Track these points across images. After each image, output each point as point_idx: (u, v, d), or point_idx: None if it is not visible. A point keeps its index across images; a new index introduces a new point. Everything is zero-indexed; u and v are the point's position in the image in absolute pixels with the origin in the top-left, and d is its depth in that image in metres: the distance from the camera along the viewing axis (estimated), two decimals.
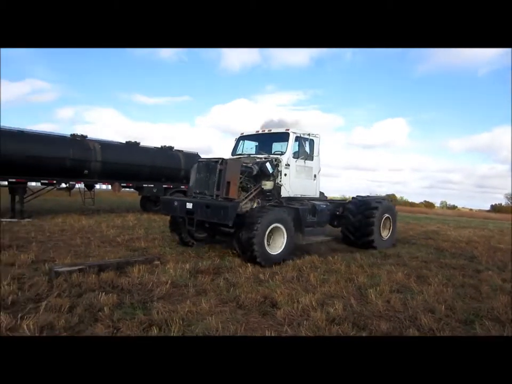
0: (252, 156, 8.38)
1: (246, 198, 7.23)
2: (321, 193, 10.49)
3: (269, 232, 6.75)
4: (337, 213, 9.47)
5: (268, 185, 7.63)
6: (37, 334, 3.32)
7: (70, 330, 3.48)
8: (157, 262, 6.21)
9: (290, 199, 7.99)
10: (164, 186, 15.68)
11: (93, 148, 13.57)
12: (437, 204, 68.66)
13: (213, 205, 6.63)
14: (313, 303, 4.56)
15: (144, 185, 15.23)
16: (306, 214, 7.87)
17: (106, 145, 14.23)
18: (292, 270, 6.36)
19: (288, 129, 7.97)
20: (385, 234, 9.65)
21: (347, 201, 10.20)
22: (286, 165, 7.80)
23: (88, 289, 4.66)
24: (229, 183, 6.75)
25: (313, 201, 8.43)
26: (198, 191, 7.52)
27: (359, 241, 9.19)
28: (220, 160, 7.04)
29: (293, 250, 7.38)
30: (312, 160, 8.37)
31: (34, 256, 6.33)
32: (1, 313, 3.65)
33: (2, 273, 5.17)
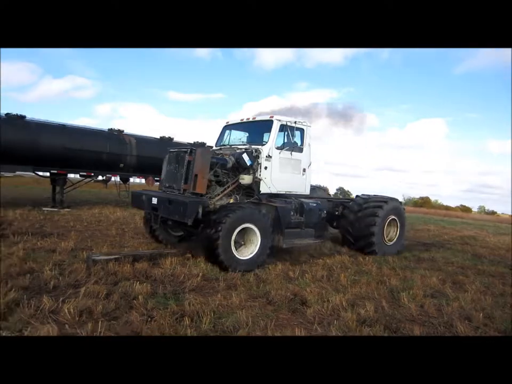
0: (233, 146, 7.43)
1: (221, 193, 6.48)
2: (322, 189, 9.82)
3: (243, 234, 5.97)
4: (337, 212, 8.65)
5: (245, 179, 6.68)
6: (76, 319, 3.49)
7: (107, 316, 3.62)
8: (188, 255, 6.34)
9: (274, 196, 7.01)
10: None
11: (129, 142, 14.01)
12: (474, 209, 65.86)
13: (174, 201, 5.81)
14: (344, 303, 4.51)
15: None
16: (288, 213, 6.85)
17: (141, 140, 14.65)
18: (321, 269, 6.30)
19: (272, 117, 6.98)
20: (390, 238, 8.55)
21: (348, 199, 9.46)
22: (266, 156, 6.76)
23: (123, 278, 4.82)
24: (196, 176, 5.99)
25: (302, 199, 7.39)
26: (167, 185, 6.77)
27: (357, 243, 8.17)
28: (189, 150, 6.19)
29: (271, 254, 6.42)
30: (301, 152, 7.32)
31: (73, 244, 6.63)
32: (44, 296, 3.85)
33: (44, 259, 5.46)
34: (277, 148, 6.89)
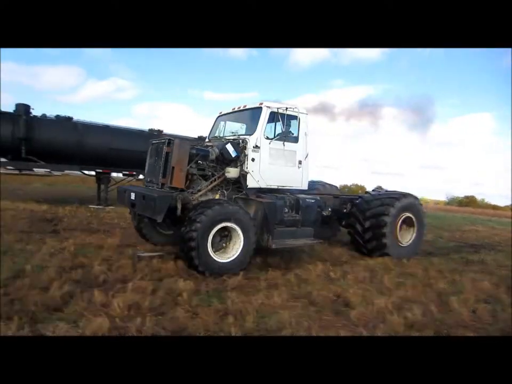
0: (224, 138, 6.86)
1: (205, 188, 5.98)
2: (332, 186, 9.27)
3: (223, 232, 5.46)
4: (345, 210, 7.95)
5: (231, 172, 6.05)
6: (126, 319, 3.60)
7: (153, 311, 3.72)
8: None
9: (266, 191, 6.32)
10: None
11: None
12: None
13: (146, 196, 5.41)
14: (389, 306, 4.35)
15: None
16: (278, 210, 6.04)
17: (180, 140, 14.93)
18: (363, 270, 6.14)
19: (262, 103, 6.26)
20: (406, 239, 7.69)
21: (356, 196, 8.57)
22: (254, 147, 6.04)
23: (167, 275, 4.94)
24: (174, 168, 5.56)
25: (299, 195, 6.66)
26: (148, 179, 6.36)
27: (368, 245, 7.42)
28: (167, 141, 5.75)
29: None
30: (297, 142, 6.55)
31: (119, 240, 6.88)
32: (95, 290, 4.02)
33: (93, 254, 5.72)
34: (267, 138, 6.19)
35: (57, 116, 12.35)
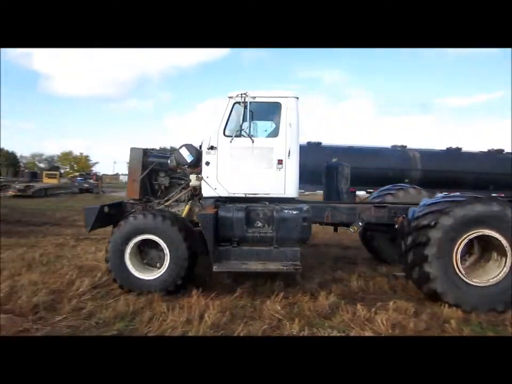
0: None
1: (169, 199, 5.50)
2: (417, 189, 6.94)
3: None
4: (396, 225, 5.32)
5: (192, 180, 5.31)
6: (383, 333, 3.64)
7: (418, 333, 3.59)
8: None
9: (239, 200, 5.05)
10: (493, 195, 13.75)
11: (413, 156, 13.78)
12: None
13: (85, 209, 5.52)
14: None
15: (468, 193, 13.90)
16: (223, 225, 4.79)
17: (425, 154, 14.13)
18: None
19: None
20: (480, 275, 4.52)
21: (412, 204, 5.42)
22: (208, 148, 5.02)
23: (425, 298, 4.63)
24: (128, 178, 5.57)
25: (276, 205, 4.94)
26: None
27: (413, 273, 4.62)
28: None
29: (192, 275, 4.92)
30: (276, 136, 5.10)
31: (367, 255, 7.06)
32: (358, 304, 4.26)
33: (348, 269, 6.08)
34: (227, 136, 5.03)
35: (308, 142, 14.15)
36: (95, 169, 64.93)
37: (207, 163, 5.09)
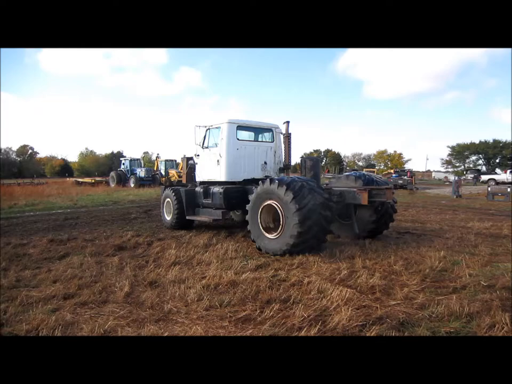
0: None
1: None
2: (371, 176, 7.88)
3: None
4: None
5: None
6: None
7: None
8: None
9: (214, 183, 8.58)
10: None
11: None
12: None
13: None
14: None
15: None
16: (192, 196, 8.93)
17: None
18: None
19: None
20: (272, 231, 6.61)
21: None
22: (195, 155, 9.18)
23: None
24: None
25: (215, 186, 8.40)
26: None
27: None
28: None
29: None
30: (217, 146, 8.37)
31: None
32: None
33: None
34: (202, 147, 8.80)
35: None
36: (408, 166, 68.01)
37: (196, 163, 9.03)
